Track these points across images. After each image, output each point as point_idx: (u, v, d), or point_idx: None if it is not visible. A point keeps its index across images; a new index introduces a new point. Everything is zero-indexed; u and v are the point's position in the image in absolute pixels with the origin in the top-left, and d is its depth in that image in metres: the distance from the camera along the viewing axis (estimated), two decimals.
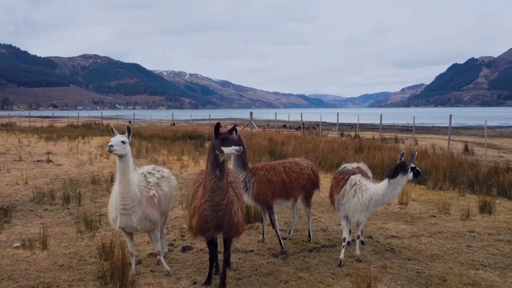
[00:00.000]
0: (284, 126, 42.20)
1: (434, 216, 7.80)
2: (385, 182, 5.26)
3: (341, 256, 5.40)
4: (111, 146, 4.38)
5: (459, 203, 8.86)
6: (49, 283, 4.72)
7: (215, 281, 4.78)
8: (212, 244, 4.74)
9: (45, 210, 8.17)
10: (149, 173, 5.13)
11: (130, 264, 4.94)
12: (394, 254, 5.83)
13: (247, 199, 5.99)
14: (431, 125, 52.43)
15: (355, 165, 6.20)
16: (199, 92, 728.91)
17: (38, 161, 15.56)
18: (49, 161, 15.45)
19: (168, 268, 5.01)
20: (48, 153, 18.00)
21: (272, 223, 6.02)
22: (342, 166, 6.23)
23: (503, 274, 5.10)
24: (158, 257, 5.16)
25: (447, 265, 5.40)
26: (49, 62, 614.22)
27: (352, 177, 5.49)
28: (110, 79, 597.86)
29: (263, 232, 6.52)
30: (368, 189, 5.33)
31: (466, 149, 18.73)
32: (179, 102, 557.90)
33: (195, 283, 4.79)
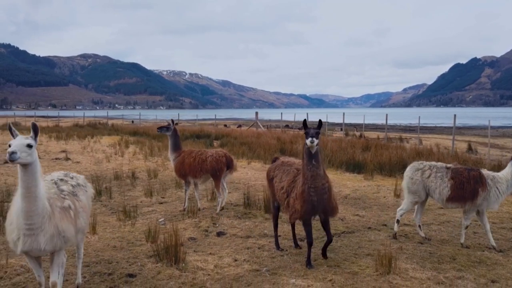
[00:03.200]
0: (287, 126, 42.86)
1: (442, 208, 8.43)
2: (510, 167, 5.93)
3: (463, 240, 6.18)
4: (13, 153, 3.29)
5: None
6: (109, 260, 5.38)
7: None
8: (310, 227, 5.26)
9: None
10: (61, 180, 4.21)
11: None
12: (408, 239, 6.49)
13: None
14: (434, 125, 53.21)
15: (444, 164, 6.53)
16: (199, 92, 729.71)
17: (56, 159, 16.19)
18: (67, 159, 16.09)
19: None
20: (63, 151, 18.63)
21: (185, 192, 8.25)
22: (419, 164, 6.49)
23: (506, 255, 5.75)
24: None
25: (456, 247, 6.06)
26: (48, 62, 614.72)
27: (484, 172, 6.08)
28: (110, 79, 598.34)
29: (185, 201, 8.22)
30: (501, 178, 5.97)
31: (469, 148, 19.38)
32: (179, 102, 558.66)
33: (236, 260, 5.44)
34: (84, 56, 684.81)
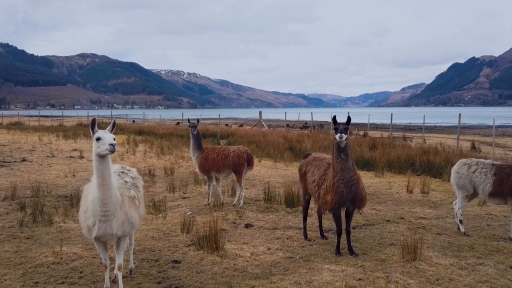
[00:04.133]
0: (288, 125, 43.25)
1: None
2: None
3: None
4: (115, 145, 3.81)
5: None
6: (152, 248, 5.75)
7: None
8: (339, 218, 5.62)
9: None
10: (122, 172, 4.71)
11: (114, 278, 4.49)
12: (426, 231, 6.87)
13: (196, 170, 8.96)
14: (433, 124, 53.66)
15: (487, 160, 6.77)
16: (198, 92, 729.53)
17: (70, 157, 16.52)
18: (81, 157, 16.43)
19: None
20: (75, 150, 18.96)
21: (208, 187, 8.70)
22: (467, 160, 6.76)
23: None
24: (115, 271, 4.32)
25: (472, 238, 6.45)
26: (47, 61, 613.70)
27: None
28: (108, 78, 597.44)
29: (208, 196, 8.70)
30: None
31: (473, 147, 19.81)
32: (178, 102, 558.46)
33: (269, 248, 5.83)
34: (82, 56, 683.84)
